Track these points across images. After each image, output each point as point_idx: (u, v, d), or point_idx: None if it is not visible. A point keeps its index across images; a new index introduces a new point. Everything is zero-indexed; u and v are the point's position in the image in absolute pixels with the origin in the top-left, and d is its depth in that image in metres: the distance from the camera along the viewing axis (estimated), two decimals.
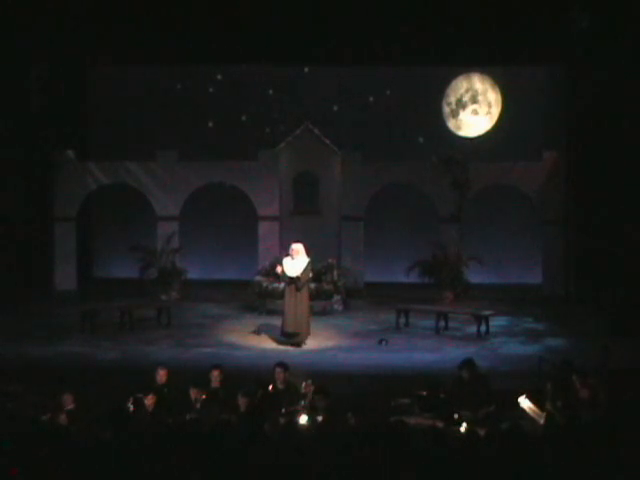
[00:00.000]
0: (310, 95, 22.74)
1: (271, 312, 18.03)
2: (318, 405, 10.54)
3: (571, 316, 18.60)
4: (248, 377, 12.38)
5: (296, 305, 15.78)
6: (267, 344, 16.19)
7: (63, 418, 9.89)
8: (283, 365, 11.61)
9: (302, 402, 11.05)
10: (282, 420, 9.77)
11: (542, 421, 10.34)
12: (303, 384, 11.43)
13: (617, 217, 18.38)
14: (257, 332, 16.94)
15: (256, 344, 16.26)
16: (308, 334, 16.03)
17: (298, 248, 16.07)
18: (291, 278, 15.84)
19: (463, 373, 11.67)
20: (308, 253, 16.13)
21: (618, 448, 7.61)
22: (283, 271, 15.96)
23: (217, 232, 23.19)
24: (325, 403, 10.49)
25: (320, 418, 9.97)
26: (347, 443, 7.69)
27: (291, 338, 15.85)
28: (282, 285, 16.67)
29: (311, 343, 16.15)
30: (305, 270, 15.88)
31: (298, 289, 15.78)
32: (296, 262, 15.90)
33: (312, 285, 18.52)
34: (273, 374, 11.55)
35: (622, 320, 16.67)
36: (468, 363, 11.77)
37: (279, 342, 16.10)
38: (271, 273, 18.24)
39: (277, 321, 16.58)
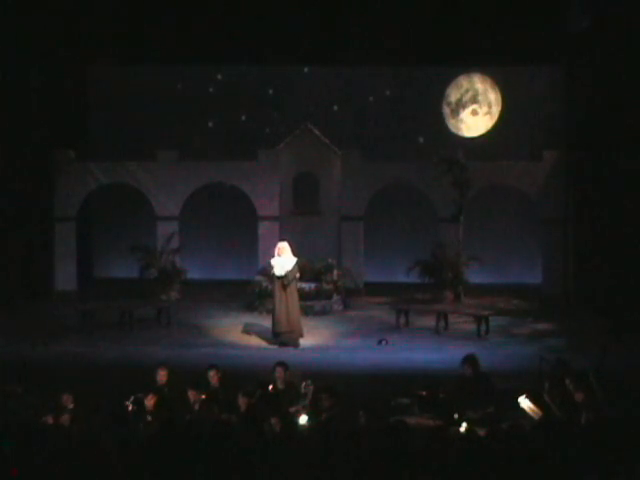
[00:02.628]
0: (310, 95, 22.75)
1: (271, 312, 18.02)
2: (322, 405, 10.50)
3: (571, 316, 18.60)
4: (248, 377, 12.37)
5: (287, 304, 15.77)
6: (267, 344, 16.18)
7: (66, 419, 9.87)
8: (283, 365, 11.60)
9: (302, 402, 11.03)
10: (282, 420, 9.77)
11: None
12: (303, 384, 11.42)
13: (617, 217, 18.38)
14: (246, 331, 16.96)
15: (256, 344, 16.26)
16: (301, 334, 16.00)
17: (283, 246, 16.12)
18: (279, 277, 15.84)
19: (465, 369, 11.60)
20: (295, 253, 16.16)
21: (616, 448, 7.61)
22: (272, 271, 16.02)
23: (217, 232, 23.21)
24: (329, 403, 10.46)
25: (323, 417, 9.97)
26: (350, 443, 7.69)
27: (282, 337, 15.81)
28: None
29: (311, 343, 16.15)
30: (293, 268, 15.89)
31: (285, 285, 15.77)
32: (283, 261, 15.91)
33: (310, 286, 18.60)
34: (273, 374, 11.54)
35: (621, 320, 16.67)
36: (470, 359, 11.71)
37: (270, 342, 16.08)
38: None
39: (269, 320, 16.56)
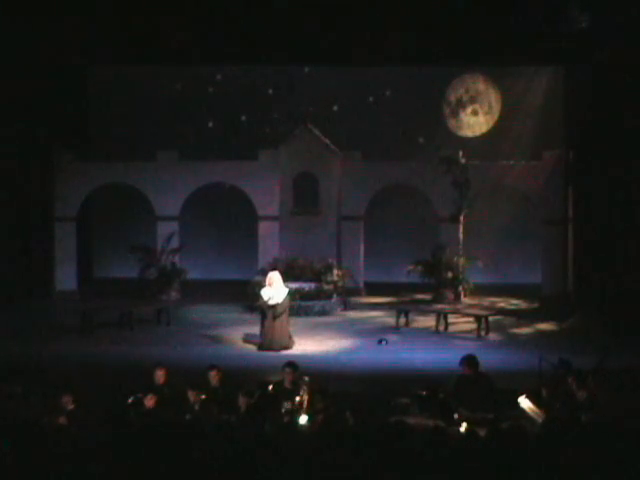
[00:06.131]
0: (310, 95, 22.76)
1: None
2: (316, 406, 10.52)
3: (571, 316, 18.59)
4: (248, 377, 12.36)
5: (274, 327, 15.71)
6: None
7: (63, 419, 9.88)
8: (293, 365, 11.54)
9: (297, 397, 11.00)
10: (282, 420, 9.77)
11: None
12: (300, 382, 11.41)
13: (617, 217, 18.38)
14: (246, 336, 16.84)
15: (256, 344, 16.22)
16: (288, 345, 15.93)
17: (273, 276, 15.98)
18: (270, 307, 15.74)
19: (464, 369, 11.58)
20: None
21: (616, 448, 7.61)
22: (263, 300, 15.89)
23: (217, 232, 23.24)
24: (322, 404, 10.47)
25: (318, 419, 9.97)
26: (347, 443, 7.68)
27: (265, 350, 15.73)
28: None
29: (311, 343, 16.14)
30: (283, 301, 15.76)
31: (275, 317, 15.71)
32: (275, 291, 15.78)
33: (310, 286, 18.71)
34: (283, 373, 11.49)
35: (621, 319, 16.67)
36: (469, 359, 11.68)
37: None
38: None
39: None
